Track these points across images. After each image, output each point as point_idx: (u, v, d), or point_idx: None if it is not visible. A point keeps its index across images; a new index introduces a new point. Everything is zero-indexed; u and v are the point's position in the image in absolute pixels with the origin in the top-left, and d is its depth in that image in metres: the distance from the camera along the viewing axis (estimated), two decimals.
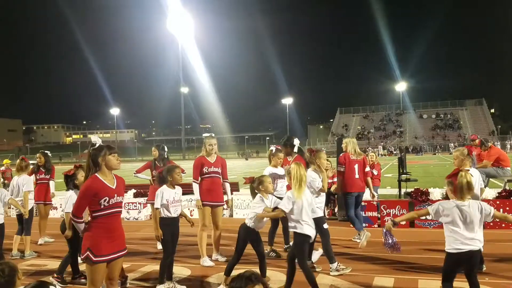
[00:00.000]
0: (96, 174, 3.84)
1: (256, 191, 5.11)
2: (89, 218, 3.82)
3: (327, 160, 6.57)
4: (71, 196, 5.41)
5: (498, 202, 7.98)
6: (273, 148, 6.64)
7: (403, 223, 8.42)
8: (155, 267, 6.15)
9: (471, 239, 3.79)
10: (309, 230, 4.70)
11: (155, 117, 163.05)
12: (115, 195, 3.82)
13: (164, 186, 5.30)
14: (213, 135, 6.61)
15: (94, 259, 3.68)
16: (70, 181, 5.66)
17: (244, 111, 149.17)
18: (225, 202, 6.59)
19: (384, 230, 4.22)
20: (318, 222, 5.59)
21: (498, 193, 8.35)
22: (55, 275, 5.48)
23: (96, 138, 4.01)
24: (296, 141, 6.56)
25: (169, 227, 5.19)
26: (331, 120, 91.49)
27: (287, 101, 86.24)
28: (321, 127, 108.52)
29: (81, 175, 5.55)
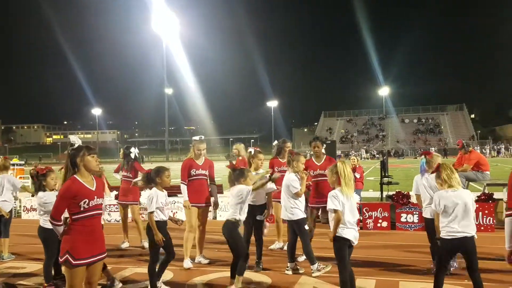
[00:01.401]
0: (75, 175, 3.75)
1: (235, 181, 5.14)
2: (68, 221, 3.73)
3: None
4: (42, 198, 5.32)
5: (477, 205, 8.14)
6: (251, 149, 6.44)
7: (385, 225, 8.53)
8: (136, 269, 6.11)
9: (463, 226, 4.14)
10: (350, 233, 4.43)
11: (138, 118, 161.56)
12: (95, 197, 3.74)
13: (155, 189, 5.15)
14: (202, 138, 6.60)
15: (73, 262, 3.59)
16: (38, 181, 5.44)
17: (230, 113, 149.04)
18: (213, 204, 6.54)
19: None
20: (299, 223, 5.67)
21: (477, 196, 8.52)
22: (45, 285, 5.30)
23: (75, 139, 3.92)
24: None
25: (162, 231, 5.06)
26: (316, 123, 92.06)
27: (273, 103, 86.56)
28: (305, 130, 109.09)
29: (50, 178, 5.43)
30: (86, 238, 3.67)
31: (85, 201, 3.66)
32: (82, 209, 3.66)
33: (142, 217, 9.45)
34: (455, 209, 4.19)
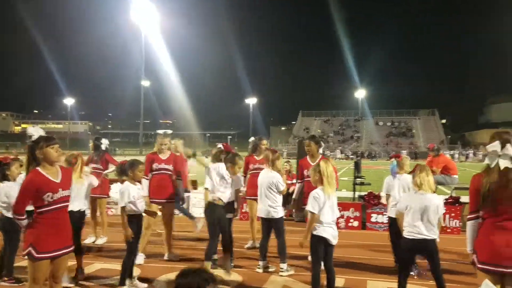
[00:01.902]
0: (37, 168, 3.60)
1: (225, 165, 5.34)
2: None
3: (288, 161, 6.63)
4: (4, 189, 5.05)
5: (445, 209, 8.33)
6: (220, 145, 6.27)
7: (357, 224, 8.63)
8: (103, 265, 5.99)
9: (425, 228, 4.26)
10: (326, 232, 4.51)
11: (112, 110, 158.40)
12: (60, 189, 3.61)
13: (128, 183, 5.07)
14: (168, 132, 6.50)
15: (36, 255, 3.49)
16: (1, 170, 5.16)
17: (208, 108, 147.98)
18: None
19: None
20: (280, 222, 5.69)
21: (445, 199, 8.73)
22: (6, 278, 5.09)
23: (33, 130, 3.70)
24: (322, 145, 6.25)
25: (136, 224, 5.00)
26: (293, 122, 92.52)
27: (251, 101, 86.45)
28: (283, 128, 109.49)
29: (15, 167, 5.18)
30: (51, 231, 3.56)
31: (49, 195, 3.54)
32: (46, 202, 3.54)
33: (112, 211, 9.30)
34: (419, 211, 4.30)
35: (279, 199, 5.73)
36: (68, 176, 3.80)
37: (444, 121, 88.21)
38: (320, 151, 6.11)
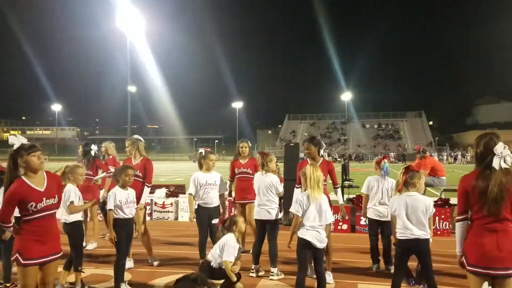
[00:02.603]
0: (22, 177, 3.57)
1: (227, 231, 5.17)
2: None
3: (277, 164, 6.59)
4: None
5: (434, 209, 8.39)
6: (202, 150, 6.22)
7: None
8: (94, 271, 5.92)
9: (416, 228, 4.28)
10: (309, 235, 4.52)
11: (100, 115, 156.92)
12: (44, 198, 3.57)
13: (117, 187, 5.19)
14: (135, 137, 6.51)
15: (22, 262, 3.52)
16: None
17: (194, 113, 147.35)
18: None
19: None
20: (275, 224, 5.71)
21: (434, 201, 8.79)
22: (7, 285, 5.08)
23: (14, 139, 3.64)
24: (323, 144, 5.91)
25: (123, 228, 5.06)
26: (280, 125, 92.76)
27: (237, 105, 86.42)
28: (269, 132, 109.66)
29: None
30: (37, 238, 3.57)
31: (32, 204, 3.52)
32: (30, 211, 3.53)
33: (101, 217, 9.21)
34: (409, 212, 4.34)
35: (277, 201, 5.75)
36: (54, 183, 3.76)
37: (431, 122, 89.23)
38: (322, 152, 5.84)
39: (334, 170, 5.73)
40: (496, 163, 3.19)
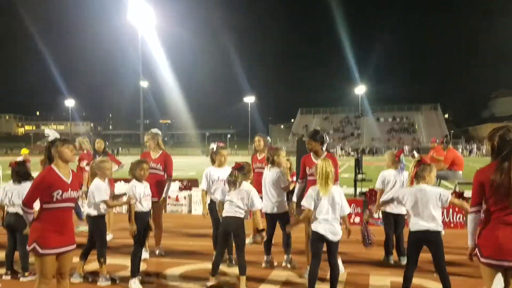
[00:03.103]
0: (51, 165, 3.79)
1: (241, 179, 5.09)
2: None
3: (288, 159, 6.58)
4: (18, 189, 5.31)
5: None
6: (213, 145, 6.22)
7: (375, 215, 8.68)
8: (110, 261, 6.02)
9: (427, 221, 4.31)
10: (322, 227, 4.56)
11: (113, 110, 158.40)
12: (69, 189, 3.76)
13: (135, 181, 5.27)
14: (154, 131, 6.58)
15: (40, 251, 3.62)
16: (20, 170, 5.46)
17: (206, 107, 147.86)
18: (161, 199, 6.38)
19: (365, 224, 4.80)
20: (285, 216, 5.73)
21: None
22: (26, 274, 5.31)
23: (49, 131, 4.00)
24: (326, 138, 5.77)
25: (141, 221, 5.16)
26: (292, 120, 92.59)
27: (249, 99, 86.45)
28: (282, 127, 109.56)
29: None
30: (55, 229, 3.68)
31: (59, 192, 3.67)
32: (54, 199, 3.66)
33: (117, 209, 9.35)
34: (420, 204, 4.35)
35: (283, 194, 5.77)
36: (78, 180, 3.97)
37: (446, 115, 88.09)
38: (324, 147, 5.69)
39: (337, 166, 5.63)
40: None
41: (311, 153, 5.63)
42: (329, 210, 4.55)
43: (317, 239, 4.58)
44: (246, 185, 5.07)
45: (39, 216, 3.71)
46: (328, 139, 5.79)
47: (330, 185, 4.60)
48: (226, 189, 5.15)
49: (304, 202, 4.65)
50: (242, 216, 4.96)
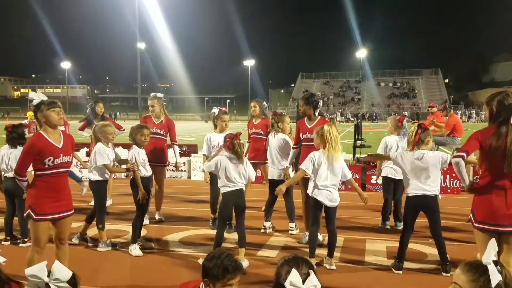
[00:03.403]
0: (40, 131, 3.63)
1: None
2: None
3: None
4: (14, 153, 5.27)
5: (445, 169, 8.39)
6: (215, 110, 6.13)
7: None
8: (110, 226, 6.10)
9: (425, 185, 4.33)
10: (321, 194, 4.54)
11: (110, 73, 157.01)
12: (61, 154, 3.62)
13: (135, 147, 5.21)
14: (158, 95, 6.52)
15: (35, 217, 3.58)
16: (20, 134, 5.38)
17: (205, 71, 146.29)
18: (174, 165, 6.58)
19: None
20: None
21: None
22: (25, 240, 5.30)
23: (33, 94, 3.74)
24: (320, 103, 5.57)
25: (144, 186, 5.13)
26: (292, 85, 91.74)
27: (249, 63, 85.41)
28: (282, 91, 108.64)
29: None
30: (50, 195, 3.62)
31: (50, 159, 3.56)
32: (46, 166, 3.57)
33: (115, 175, 9.39)
34: (419, 169, 4.35)
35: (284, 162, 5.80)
36: (70, 143, 3.79)
37: (447, 80, 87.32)
38: (317, 112, 5.50)
39: None
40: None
41: (305, 118, 5.49)
42: (328, 177, 4.51)
43: (315, 205, 4.59)
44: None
45: (33, 183, 3.64)
46: (321, 104, 5.62)
47: (341, 148, 4.58)
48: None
49: (303, 165, 4.59)
50: (243, 187, 4.82)
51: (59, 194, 3.68)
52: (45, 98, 3.78)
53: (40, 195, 3.60)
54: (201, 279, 2.38)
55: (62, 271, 1.78)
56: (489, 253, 1.75)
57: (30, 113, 13.66)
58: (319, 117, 5.45)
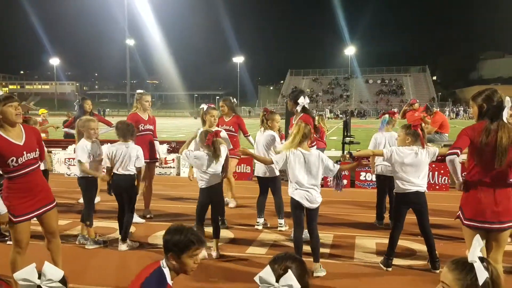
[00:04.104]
0: None
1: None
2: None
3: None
4: None
5: (433, 165, 8.47)
6: (204, 106, 6.13)
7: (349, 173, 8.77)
8: (98, 223, 6.04)
9: (419, 181, 4.34)
10: (297, 194, 4.27)
11: (99, 70, 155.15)
12: (24, 152, 3.38)
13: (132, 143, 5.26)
14: (139, 91, 6.57)
15: (14, 220, 3.43)
16: None
17: (194, 68, 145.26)
18: (159, 160, 6.70)
19: (338, 163, 4.53)
20: (276, 180, 5.82)
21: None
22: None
23: None
24: (305, 100, 5.50)
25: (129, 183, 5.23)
26: (282, 81, 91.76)
27: (238, 59, 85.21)
28: (271, 88, 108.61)
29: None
30: (24, 195, 3.46)
31: (12, 159, 3.34)
32: (11, 167, 3.37)
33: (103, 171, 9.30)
34: (412, 166, 4.33)
35: None
36: (34, 137, 3.58)
37: (435, 77, 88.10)
38: (299, 108, 5.46)
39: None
40: (504, 115, 3.18)
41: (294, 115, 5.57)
42: (305, 176, 4.25)
43: (294, 206, 4.32)
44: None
45: (5, 185, 3.46)
46: (304, 99, 5.51)
47: (294, 144, 4.26)
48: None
49: (274, 157, 4.49)
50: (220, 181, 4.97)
51: (34, 191, 3.52)
52: (0, 92, 3.48)
53: (15, 197, 3.42)
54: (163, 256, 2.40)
55: (54, 271, 1.77)
56: (475, 250, 1.74)
57: (42, 110, 13.42)
58: (302, 113, 5.45)
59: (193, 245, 2.34)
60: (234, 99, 7.35)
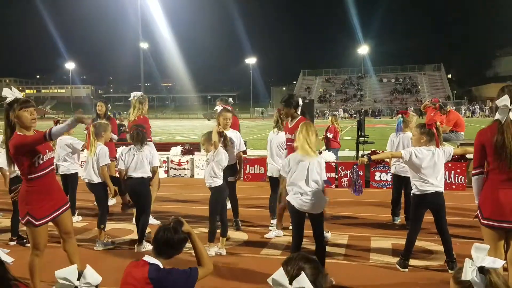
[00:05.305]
0: (17, 132, 3.39)
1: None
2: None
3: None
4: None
5: (450, 165, 8.36)
6: (218, 107, 6.08)
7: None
8: (114, 225, 6.10)
9: (438, 182, 4.29)
10: (292, 198, 4.05)
11: (113, 73, 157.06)
12: (46, 150, 3.51)
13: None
14: (137, 94, 6.55)
15: (36, 223, 3.49)
16: None
17: (207, 69, 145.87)
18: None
19: (355, 167, 4.50)
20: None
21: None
22: (13, 238, 5.36)
23: (7, 92, 3.38)
24: (300, 102, 5.43)
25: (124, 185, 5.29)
26: (294, 82, 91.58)
27: (251, 61, 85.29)
28: (284, 89, 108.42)
29: None
30: (42, 197, 3.52)
31: (39, 156, 3.44)
32: (36, 165, 3.43)
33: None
34: (432, 166, 4.26)
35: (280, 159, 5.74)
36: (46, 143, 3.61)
37: (450, 75, 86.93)
38: (299, 111, 5.33)
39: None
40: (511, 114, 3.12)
41: (289, 119, 5.36)
42: (303, 182, 4.01)
43: (292, 211, 4.06)
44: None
45: (25, 189, 3.52)
46: (301, 102, 5.42)
47: (309, 150, 4.01)
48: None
49: (281, 171, 4.23)
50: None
51: (51, 193, 3.60)
52: (19, 95, 3.45)
53: (37, 198, 3.49)
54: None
55: (94, 276, 1.83)
56: (476, 259, 1.79)
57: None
58: (299, 116, 5.29)
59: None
60: (230, 99, 7.37)
